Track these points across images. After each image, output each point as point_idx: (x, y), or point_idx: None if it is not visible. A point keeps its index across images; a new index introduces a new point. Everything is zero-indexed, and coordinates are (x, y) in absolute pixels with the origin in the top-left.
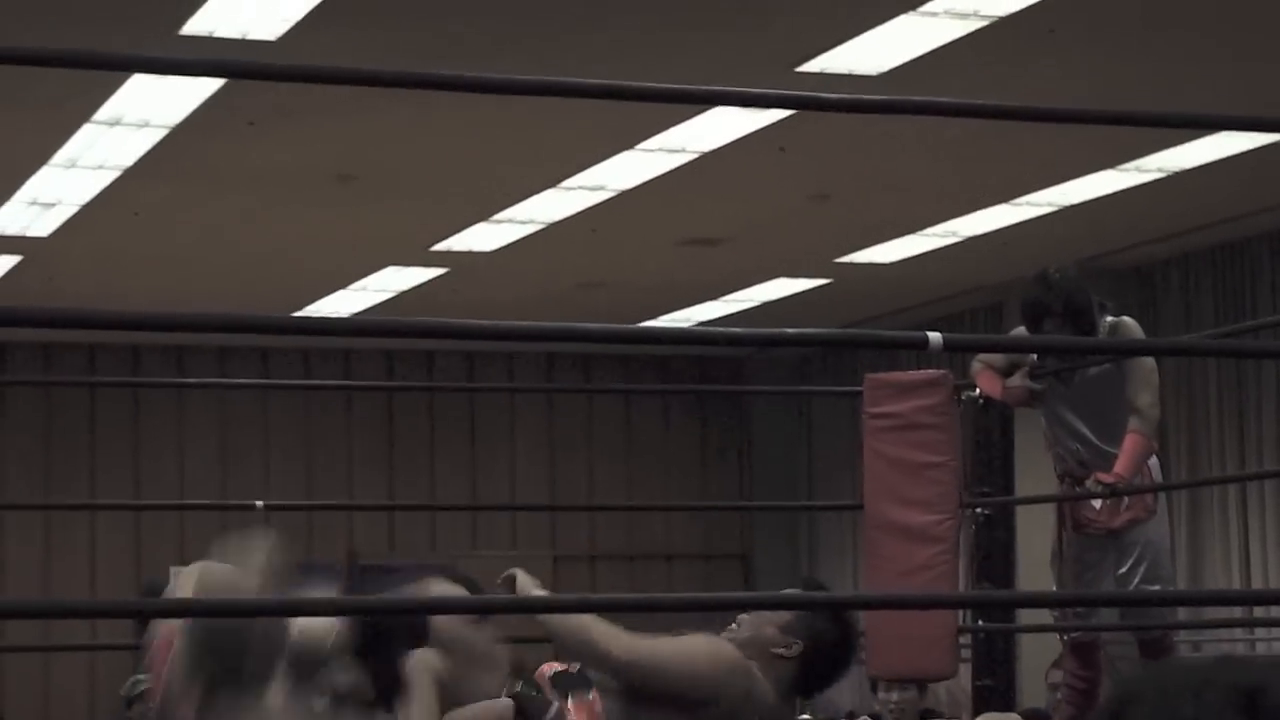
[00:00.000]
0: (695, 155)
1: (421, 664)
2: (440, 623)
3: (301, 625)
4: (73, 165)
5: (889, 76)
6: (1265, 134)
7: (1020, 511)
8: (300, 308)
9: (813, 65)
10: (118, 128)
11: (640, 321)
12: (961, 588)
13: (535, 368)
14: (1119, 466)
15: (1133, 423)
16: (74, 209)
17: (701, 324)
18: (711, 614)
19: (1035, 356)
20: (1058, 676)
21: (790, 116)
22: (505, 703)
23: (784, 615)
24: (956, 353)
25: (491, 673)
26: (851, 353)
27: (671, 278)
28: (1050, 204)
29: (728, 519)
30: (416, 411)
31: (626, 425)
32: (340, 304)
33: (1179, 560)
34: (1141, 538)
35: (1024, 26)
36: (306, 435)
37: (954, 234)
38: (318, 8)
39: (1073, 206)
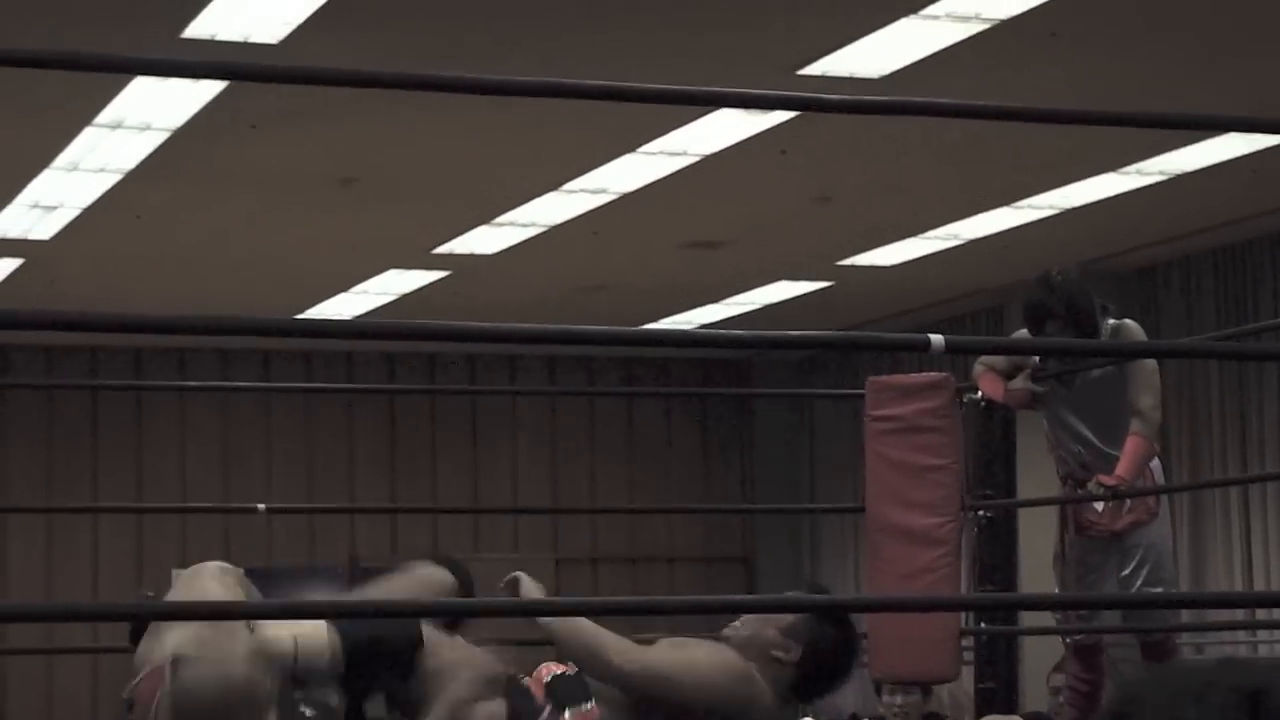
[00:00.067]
0: (697, 158)
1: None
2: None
3: (299, 633)
4: (74, 168)
5: (891, 79)
6: (1266, 136)
7: (1022, 514)
8: (302, 310)
9: (814, 68)
10: (119, 130)
11: (642, 324)
12: (963, 590)
13: (537, 371)
14: (1121, 469)
15: (1134, 425)
16: (76, 212)
17: (703, 327)
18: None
19: (1037, 359)
20: (1059, 680)
21: (792, 119)
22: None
23: (786, 618)
24: (958, 355)
25: (491, 686)
26: (853, 355)
27: (673, 280)
28: (1052, 207)
29: (729, 522)
30: (418, 414)
31: (628, 428)
32: (342, 307)
33: (1181, 563)
34: (1144, 540)
35: (1025, 29)
36: (308, 438)
37: (955, 237)
38: (319, 11)
39: (1074, 209)
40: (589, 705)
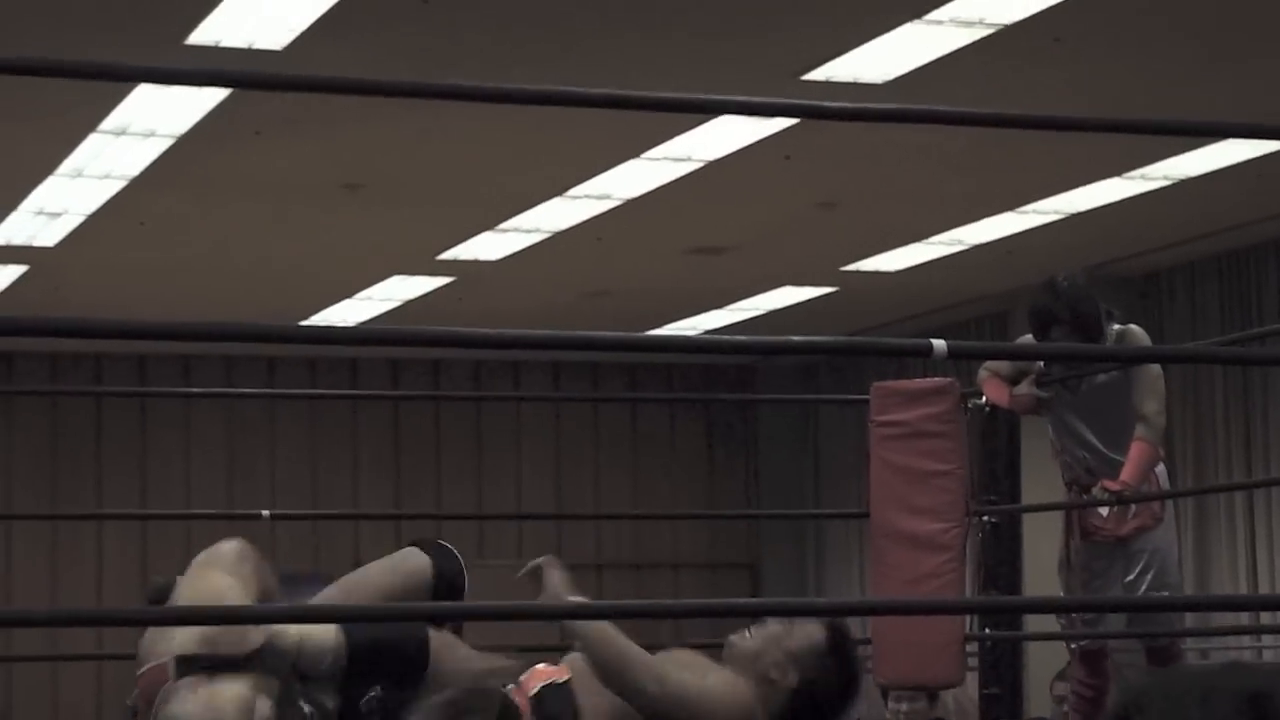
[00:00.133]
0: (701, 164)
1: None
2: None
3: (305, 632)
4: (79, 175)
5: (894, 85)
6: (1270, 141)
7: (1027, 519)
8: (306, 317)
9: (818, 74)
10: (124, 137)
11: (646, 330)
12: (968, 595)
13: (541, 377)
14: (1125, 474)
15: (1139, 430)
16: (80, 219)
17: (708, 332)
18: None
19: (1042, 364)
20: (1063, 689)
21: (796, 125)
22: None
23: (798, 643)
24: (962, 360)
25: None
26: (857, 361)
27: (677, 286)
28: (1056, 212)
29: (734, 528)
30: (423, 421)
31: (633, 434)
32: (346, 313)
33: (1186, 567)
34: (1149, 545)
35: (1029, 35)
36: (313, 444)
37: (960, 242)
38: (323, 17)
39: (1078, 214)
40: None
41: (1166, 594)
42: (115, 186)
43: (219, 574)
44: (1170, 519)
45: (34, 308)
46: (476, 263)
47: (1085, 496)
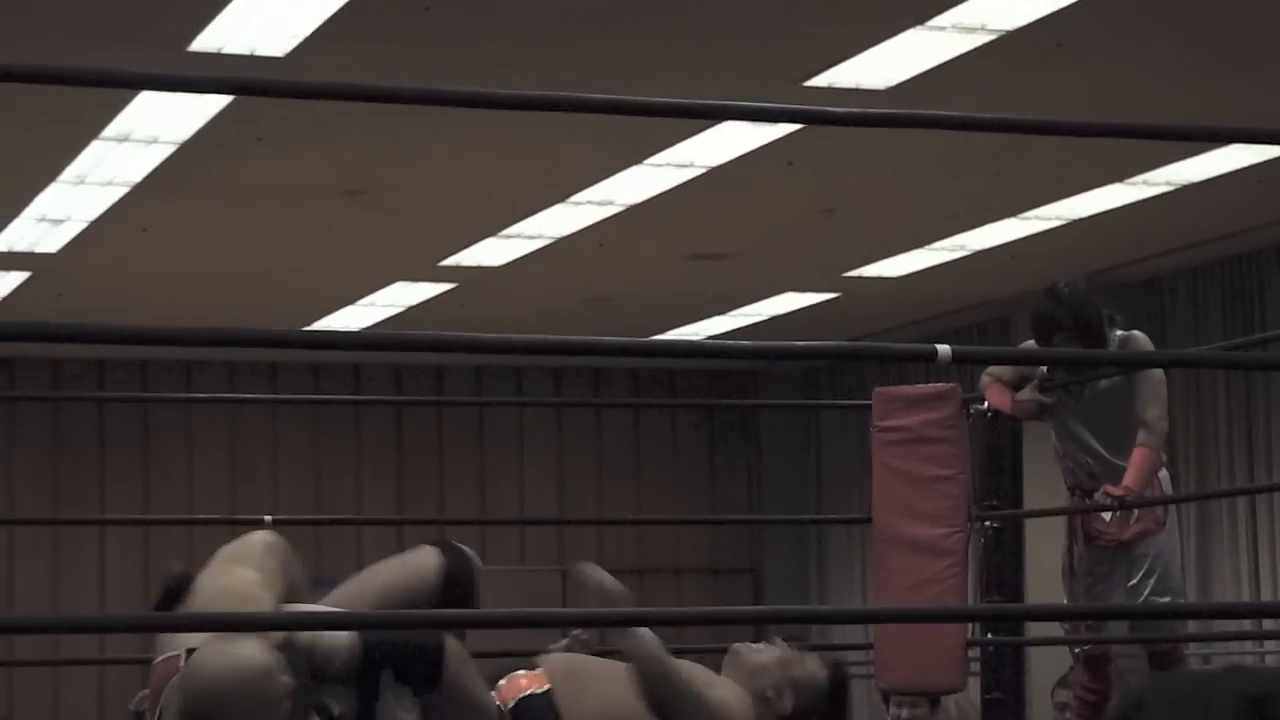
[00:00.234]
0: (703, 170)
1: None
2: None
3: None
4: (81, 182)
5: (896, 91)
6: (1273, 147)
7: (1029, 524)
8: (309, 323)
9: (820, 79)
10: (126, 144)
11: (648, 336)
12: (970, 601)
13: (543, 382)
14: (1128, 479)
15: (1141, 436)
16: (82, 225)
17: (710, 338)
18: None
19: (1044, 369)
20: (1064, 696)
21: (798, 131)
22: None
23: (802, 674)
24: (965, 366)
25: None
26: (859, 366)
27: (680, 292)
28: (1058, 218)
29: (736, 533)
30: (425, 426)
31: (635, 439)
32: (349, 319)
33: (1188, 573)
34: (1152, 549)
35: (1031, 41)
36: (315, 450)
37: (962, 248)
38: (326, 24)
39: (1080, 220)
40: None
41: (1169, 599)
42: (117, 193)
43: (243, 570)
44: (1173, 523)
45: (36, 314)
46: (479, 269)
47: (1088, 501)
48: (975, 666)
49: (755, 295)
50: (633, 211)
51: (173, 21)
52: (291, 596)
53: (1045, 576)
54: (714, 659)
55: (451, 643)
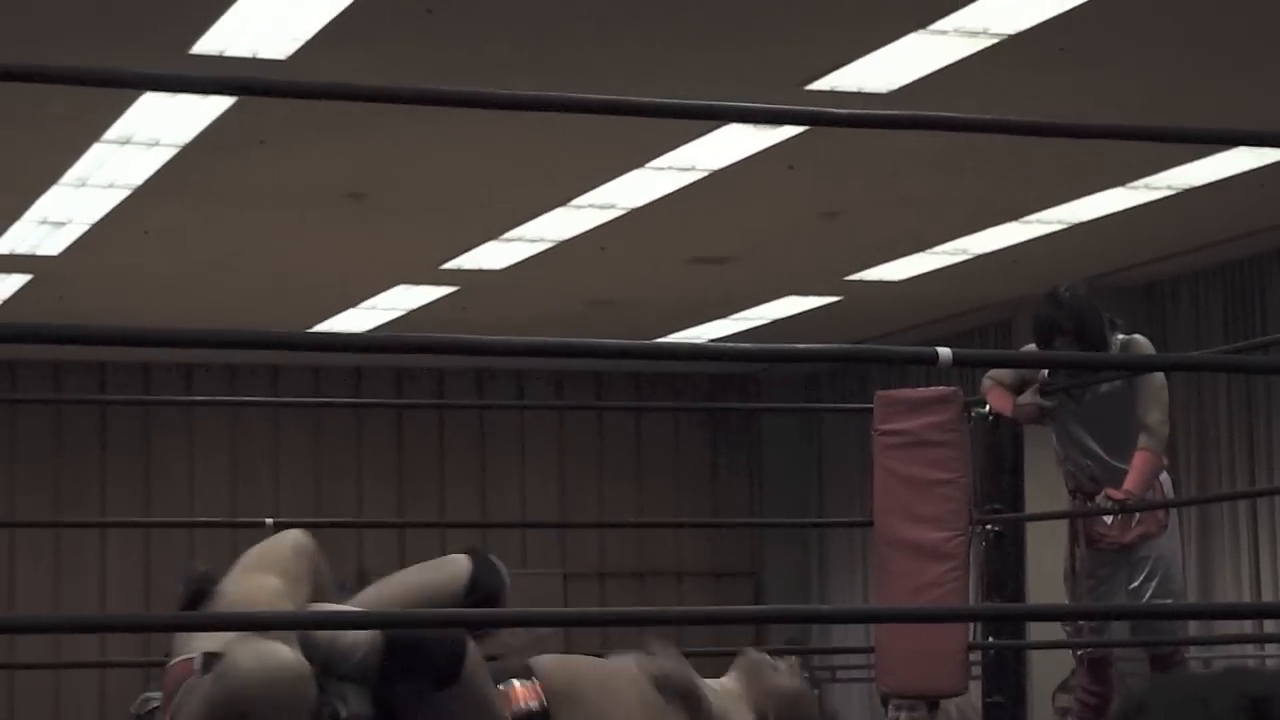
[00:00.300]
0: (705, 173)
1: None
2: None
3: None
4: (83, 184)
5: (899, 94)
6: (1274, 150)
7: (1031, 528)
8: (310, 326)
9: (822, 83)
10: (128, 146)
11: (650, 340)
12: (971, 604)
13: (545, 386)
14: (1129, 483)
15: (1142, 439)
16: (84, 228)
17: (711, 342)
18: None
19: (1046, 373)
20: (1065, 700)
21: (800, 134)
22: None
23: (777, 691)
24: (966, 369)
25: None
26: (861, 370)
27: (681, 296)
28: (1060, 221)
29: (738, 536)
30: (426, 429)
31: (636, 443)
32: (350, 322)
33: (1189, 575)
34: (1153, 552)
35: (1034, 45)
36: (317, 453)
37: (964, 251)
38: (328, 26)
39: (1082, 224)
40: None
41: (1170, 601)
42: (119, 196)
43: (267, 577)
44: (1174, 526)
45: (38, 316)
46: (480, 272)
47: (1089, 505)
48: (976, 670)
49: (757, 299)
50: (634, 215)
51: (175, 24)
52: (318, 598)
53: (1047, 580)
54: (714, 661)
55: (471, 643)
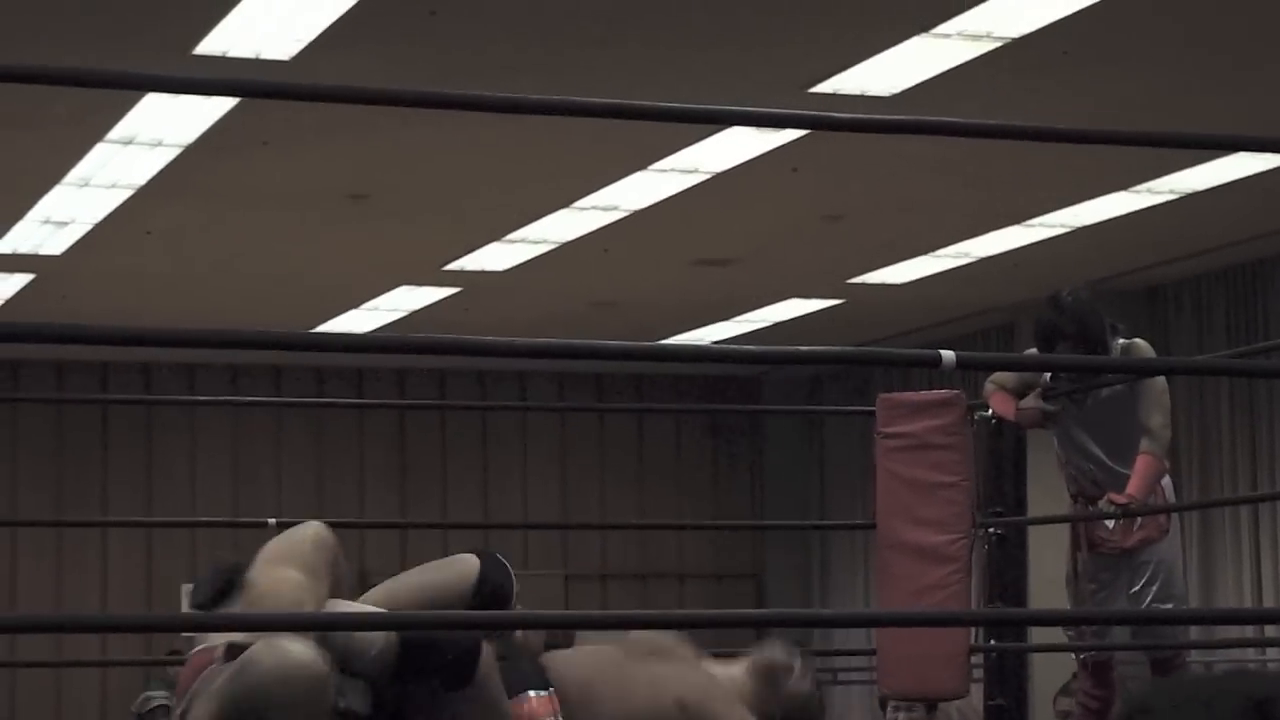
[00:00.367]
0: (708, 175)
1: None
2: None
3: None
4: (86, 184)
5: (901, 98)
6: (1277, 155)
7: (1033, 531)
8: (313, 327)
9: (825, 86)
10: (131, 147)
11: (652, 341)
12: (973, 608)
13: (547, 387)
14: (1131, 487)
15: (1144, 444)
16: (87, 228)
17: (714, 344)
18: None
19: (1048, 377)
20: (1066, 704)
21: (803, 137)
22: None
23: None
24: (969, 373)
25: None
26: (863, 373)
27: (684, 298)
28: (1062, 225)
29: (740, 538)
30: (428, 430)
31: (639, 444)
32: (352, 323)
33: (1190, 580)
34: (1154, 557)
35: (1037, 48)
36: (318, 453)
37: (966, 255)
38: (331, 28)
39: (1085, 228)
40: None
41: (1171, 606)
42: (122, 196)
43: (290, 571)
44: (1175, 531)
45: (40, 316)
46: (483, 273)
47: (1091, 509)
48: (978, 673)
49: (759, 301)
50: (637, 217)
51: (178, 25)
52: (336, 593)
53: (1048, 583)
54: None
55: (485, 645)
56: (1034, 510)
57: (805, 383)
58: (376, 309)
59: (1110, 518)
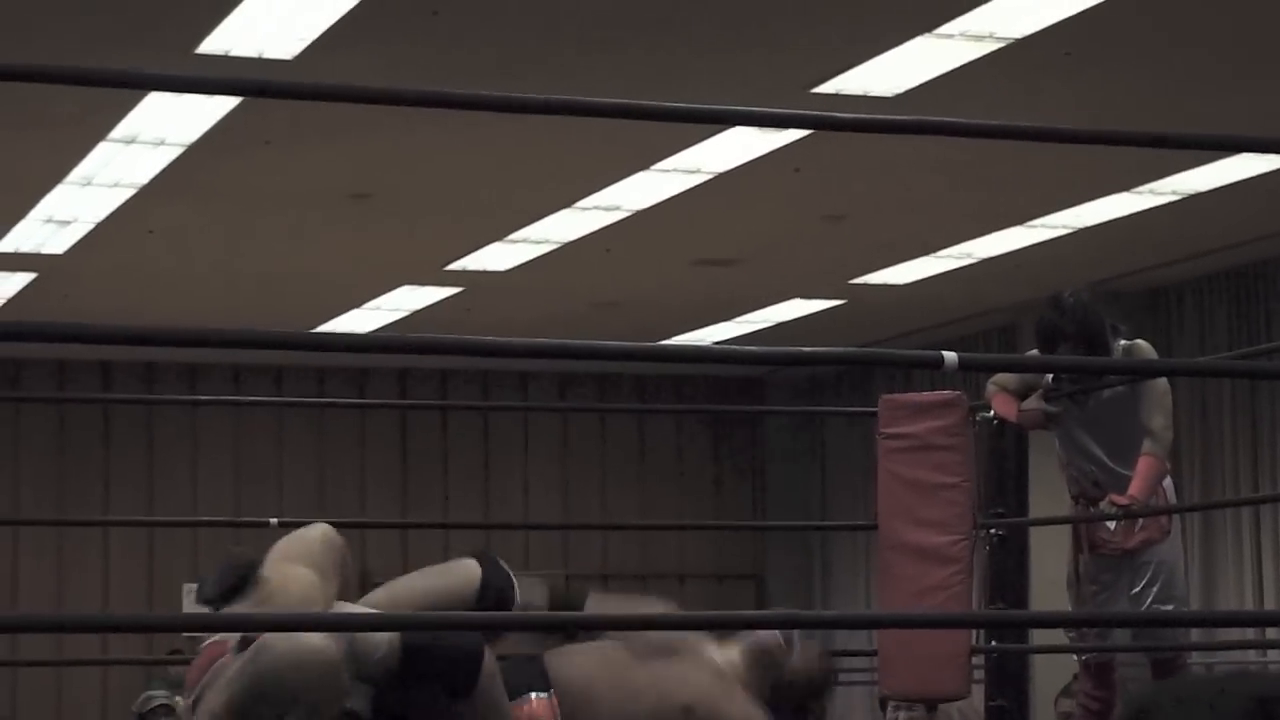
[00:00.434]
0: (710, 176)
1: None
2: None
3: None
4: (88, 183)
5: (904, 98)
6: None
7: (1034, 532)
8: (315, 326)
9: (828, 86)
10: (133, 146)
11: (654, 342)
12: (974, 609)
13: (548, 387)
14: (1133, 488)
15: (1146, 445)
16: (89, 227)
17: (716, 344)
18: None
19: (1050, 378)
20: (1067, 705)
21: (805, 137)
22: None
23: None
24: (970, 374)
25: None
26: (865, 374)
27: (686, 298)
28: (1065, 226)
29: (741, 539)
30: (430, 430)
31: (640, 445)
32: (354, 323)
33: (1192, 581)
34: (1155, 558)
35: (1040, 49)
36: (320, 453)
37: (968, 256)
38: (334, 27)
39: (1087, 229)
40: None
41: (1173, 607)
42: (124, 195)
43: (302, 569)
44: (1177, 532)
45: (42, 315)
46: (485, 273)
47: (1092, 510)
48: (979, 674)
49: (761, 301)
50: (639, 217)
51: (180, 24)
52: (343, 595)
53: (1050, 585)
54: None
55: (487, 652)
56: (1035, 511)
57: (807, 384)
58: (378, 309)
59: (1112, 519)
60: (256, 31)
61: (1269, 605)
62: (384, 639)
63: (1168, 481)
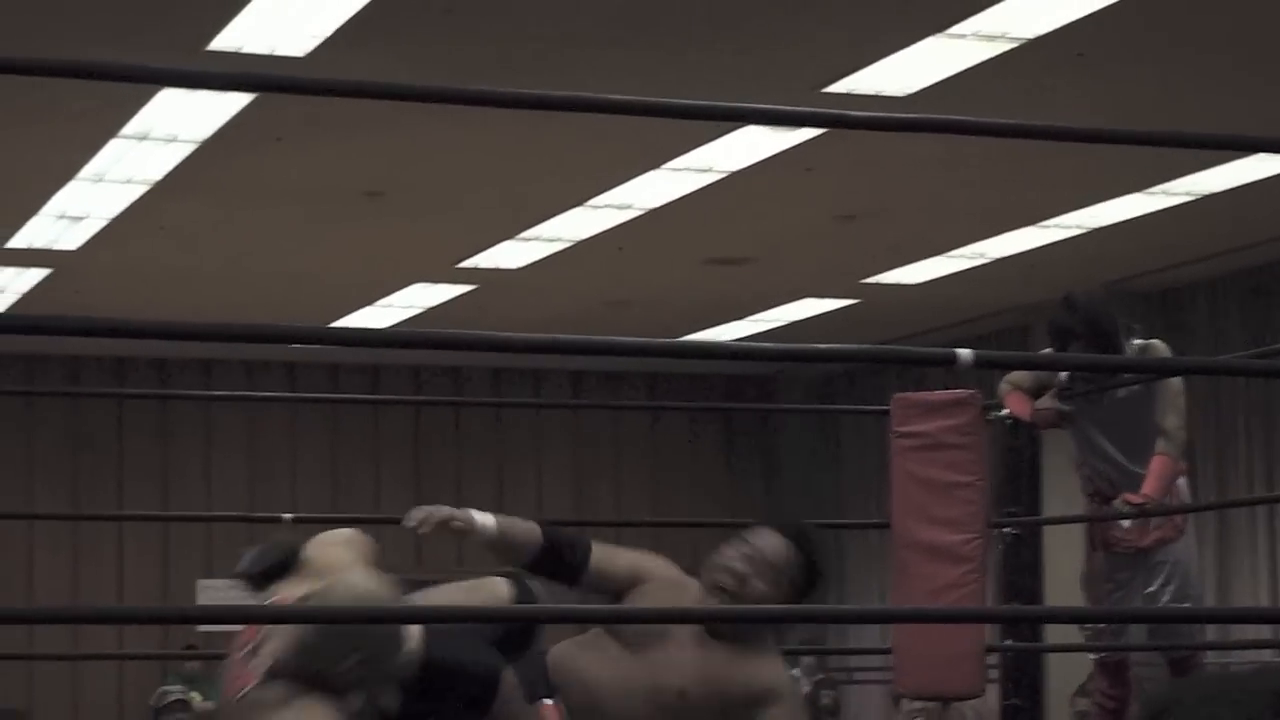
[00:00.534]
0: (722, 175)
1: None
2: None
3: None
4: (101, 179)
5: (916, 98)
6: None
7: (1048, 531)
8: (327, 324)
9: (840, 86)
10: (146, 142)
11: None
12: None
13: (562, 385)
14: (1147, 487)
15: (1160, 444)
16: (102, 223)
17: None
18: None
19: (1064, 377)
20: (1083, 704)
21: (817, 136)
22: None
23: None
24: (984, 373)
25: None
26: (877, 373)
27: (698, 297)
28: (1078, 226)
29: None
30: (443, 427)
31: (653, 443)
32: (367, 320)
33: (1207, 580)
34: (1170, 557)
35: (1052, 49)
36: (334, 449)
37: (981, 255)
38: (346, 24)
39: (1100, 229)
40: None
41: (1188, 606)
42: (137, 191)
43: (345, 552)
44: (1191, 531)
45: (55, 311)
46: (498, 271)
47: (1106, 508)
48: (994, 673)
49: (773, 300)
50: (652, 215)
51: (192, 21)
52: None
53: (1064, 583)
54: None
55: (507, 673)
56: (1049, 510)
57: (820, 383)
58: (391, 306)
59: (1126, 518)
60: (269, 28)
61: None
62: (413, 635)
63: (1182, 481)
